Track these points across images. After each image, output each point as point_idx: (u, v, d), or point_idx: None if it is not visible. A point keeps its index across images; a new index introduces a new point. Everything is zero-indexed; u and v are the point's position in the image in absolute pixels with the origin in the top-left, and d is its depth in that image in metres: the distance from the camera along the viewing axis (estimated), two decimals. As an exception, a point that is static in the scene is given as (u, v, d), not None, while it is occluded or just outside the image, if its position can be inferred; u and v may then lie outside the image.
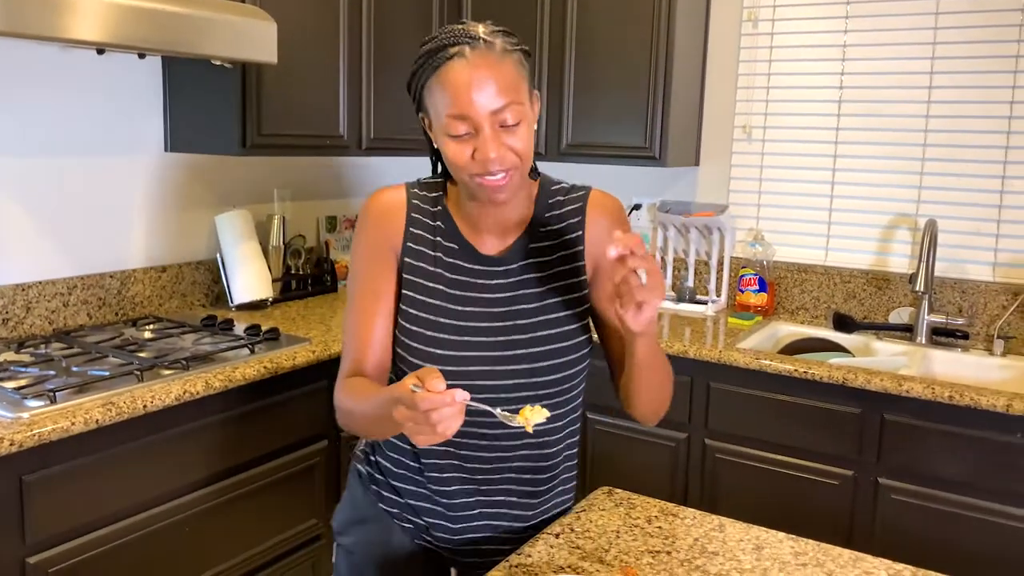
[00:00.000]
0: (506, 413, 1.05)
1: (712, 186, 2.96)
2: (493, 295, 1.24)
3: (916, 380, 2.11)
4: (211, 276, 2.64)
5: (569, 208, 1.27)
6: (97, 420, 1.67)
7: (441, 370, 1.05)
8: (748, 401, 2.33)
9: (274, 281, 2.70)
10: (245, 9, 2.09)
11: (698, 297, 2.90)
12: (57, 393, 1.70)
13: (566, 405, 1.29)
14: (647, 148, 2.72)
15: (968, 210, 2.57)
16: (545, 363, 1.23)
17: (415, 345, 1.22)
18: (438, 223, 1.26)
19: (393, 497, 1.33)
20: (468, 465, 1.26)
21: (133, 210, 2.42)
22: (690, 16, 2.76)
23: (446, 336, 1.22)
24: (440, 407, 0.93)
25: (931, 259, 2.49)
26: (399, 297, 1.25)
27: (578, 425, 1.36)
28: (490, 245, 1.26)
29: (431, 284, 1.24)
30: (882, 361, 2.40)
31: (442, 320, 1.22)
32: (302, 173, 2.93)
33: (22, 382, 1.78)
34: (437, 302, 1.23)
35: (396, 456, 1.31)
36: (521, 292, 1.24)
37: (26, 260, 2.17)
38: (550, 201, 1.27)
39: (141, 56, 2.16)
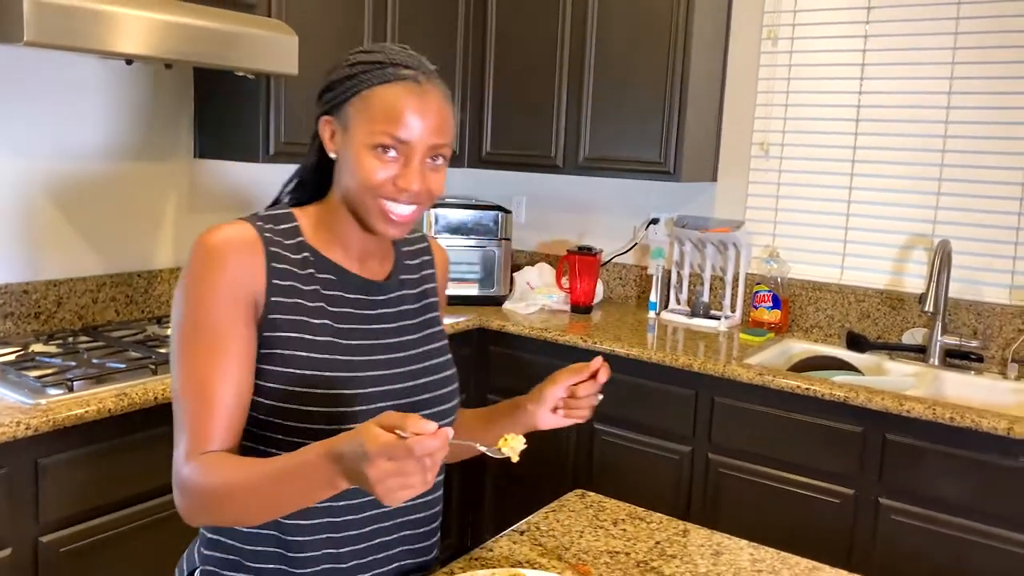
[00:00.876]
0: (488, 447, 1.02)
1: (729, 202, 2.98)
2: (380, 325, 1.17)
3: (917, 400, 2.10)
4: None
5: (419, 246, 1.30)
6: (110, 409, 1.77)
7: (341, 411, 1.07)
8: (752, 416, 2.35)
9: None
10: (268, 23, 2.20)
11: (712, 312, 2.92)
12: (75, 382, 1.81)
13: None
14: (662, 163, 2.75)
15: (985, 231, 2.54)
16: (440, 391, 1.20)
17: (306, 390, 1.07)
18: (304, 255, 1.12)
19: None
20: (383, 510, 1.14)
21: (162, 213, 2.54)
22: (709, 33, 2.80)
23: (342, 373, 1.10)
24: (436, 452, 0.84)
25: (944, 280, 2.47)
26: (266, 348, 1.08)
27: None
28: (366, 271, 1.18)
29: (316, 321, 1.10)
30: (889, 381, 2.39)
31: (336, 357, 1.10)
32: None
33: (45, 371, 1.89)
34: (327, 338, 1.10)
35: (301, 522, 1.10)
36: (404, 322, 1.20)
37: (59, 258, 2.30)
38: (402, 238, 1.25)
39: (168, 67, 2.27)
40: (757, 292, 2.85)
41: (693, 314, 2.90)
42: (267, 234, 1.10)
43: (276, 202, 1.20)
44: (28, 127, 2.20)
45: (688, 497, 2.47)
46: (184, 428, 1.03)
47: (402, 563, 1.17)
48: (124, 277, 2.44)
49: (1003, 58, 2.47)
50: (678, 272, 3.04)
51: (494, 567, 1.18)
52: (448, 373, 1.23)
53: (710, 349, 2.53)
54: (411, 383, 1.16)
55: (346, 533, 1.11)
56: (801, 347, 2.72)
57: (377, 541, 1.14)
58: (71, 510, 1.76)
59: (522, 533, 1.30)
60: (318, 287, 1.12)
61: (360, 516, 1.12)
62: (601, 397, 1.23)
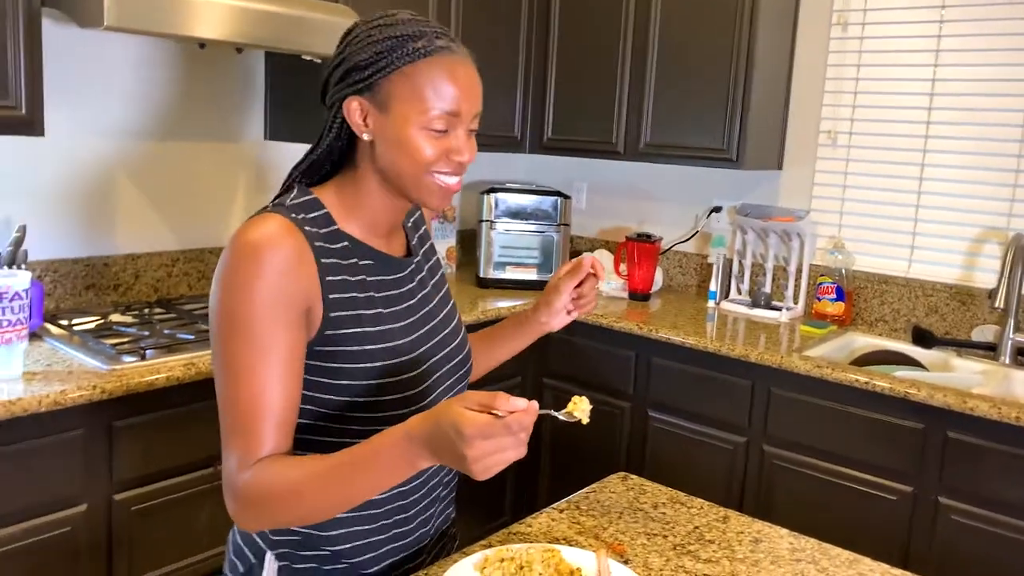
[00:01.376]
0: (560, 412, 1.04)
1: (794, 191, 2.93)
2: (414, 298, 1.18)
3: (982, 398, 2.04)
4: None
5: (412, 212, 1.30)
6: (179, 377, 1.86)
7: (413, 393, 1.11)
8: (809, 409, 2.31)
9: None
10: (335, 8, 2.26)
11: (774, 303, 2.88)
12: (147, 351, 1.91)
13: None
14: (724, 150, 2.72)
15: (1064, 226, 2.44)
16: (465, 346, 1.25)
17: (378, 381, 1.08)
18: (343, 243, 1.10)
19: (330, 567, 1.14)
20: (433, 480, 1.19)
21: (233, 192, 2.64)
22: (776, 18, 2.75)
23: (404, 358, 1.11)
24: (529, 426, 0.87)
25: (1016, 275, 2.38)
26: (329, 345, 1.06)
27: None
28: (392, 248, 1.19)
29: (370, 311, 1.10)
30: (954, 378, 2.32)
31: (396, 344, 1.11)
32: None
33: (121, 340, 2.00)
34: (384, 327, 1.11)
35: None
36: (428, 288, 1.23)
37: (137, 233, 2.42)
38: None
39: (239, 50, 2.36)
40: (821, 284, 2.79)
41: (754, 304, 2.87)
42: (306, 228, 1.05)
43: (288, 187, 1.13)
44: (106, 108, 2.32)
45: (741, 488, 2.46)
46: (235, 437, 0.99)
47: (443, 513, 1.23)
48: (196, 253, 2.55)
49: (1090, 45, 2.36)
50: (740, 261, 3.00)
51: (531, 542, 1.21)
52: (463, 328, 1.28)
53: (770, 340, 2.50)
54: (449, 347, 1.20)
55: (399, 489, 1.14)
56: (864, 341, 2.67)
57: (427, 490, 1.18)
58: (142, 471, 1.87)
59: (562, 511, 1.32)
60: (364, 276, 1.11)
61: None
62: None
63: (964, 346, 2.55)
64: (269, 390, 0.99)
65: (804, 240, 2.83)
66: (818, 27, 2.82)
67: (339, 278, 1.07)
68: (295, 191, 1.10)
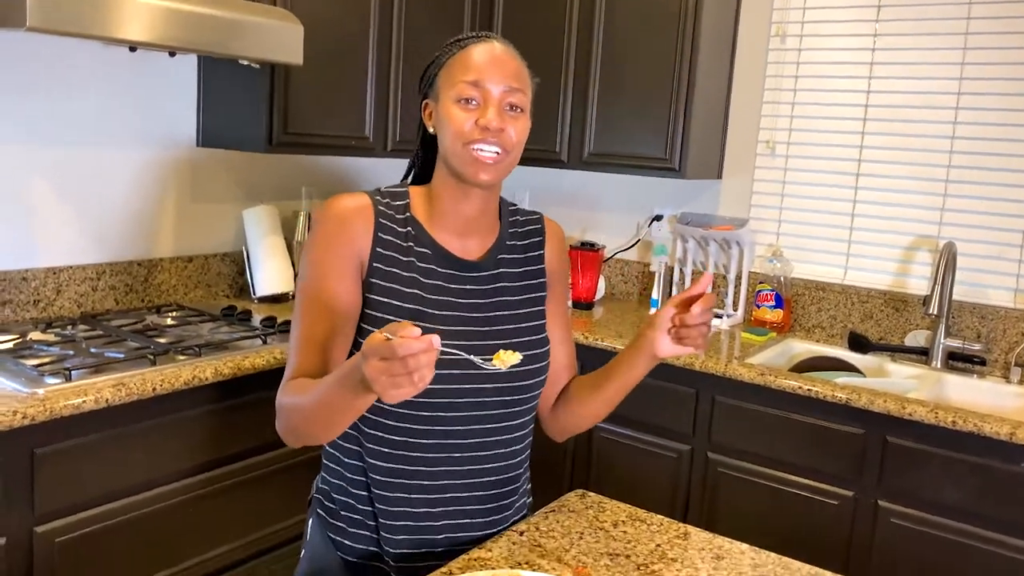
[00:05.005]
0: (481, 358, 1.07)
1: (734, 200, 2.96)
2: (469, 300, 1.26)
3: (919, 403, 2.09)
4: (236, 268, 2.73)
5: (530, 228, 1.37)
6: (107, 399, 1.76)
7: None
8: (753, 416, 2.33)
9: (296, 276, 2.78)
10: (273, 11, 2.18)
11: (715, 311, 2.90)
12: (73, 371, 1.79)
13: (531, 412, 1.33)
14: (667, 160, 2.74)
15: (991, 234, 2.53)
16: (526, 367, 1.26)
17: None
18: (408, 229, 1.25)
19: (355, 530, 1.28)
20: (456, 468, 1.25)
21: (163, 201, 2.52)
22: (717, 29, 2.78)
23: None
24: (418, 353, 0.91)
25: (948, 282, 2.45)
26: (364, 308, 1.22)
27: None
28: (463, 250, 1.28)
29: (407, 290, 1.22)
30: (890, 383, 2.38)
31: (421, 324, 1.17)
32: (329, 172, 3.02)
33: (43, 360, 1.88)
34: (414, 306, 1.21)
35: (384, 464, 1.24)
36: (496, 298, 1.28)
37: (59, 245, 2.29)
38: (511, 218, 1.35)
39: (171, 54, 2.26)
40: (760, 291, 2.83)
41: (695, 312, 2.88)
42: (380, 207, 1.24)
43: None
44: (28, 112, 2.18)
45: (687, 496, 2.46)
46: (288, 362, 1.20)
47: (473, 520, 1.28)
48: (124, 266, 2.43)
49: (1014, 59, 2.45)
50: (681, 269, 3.02)
51: (493, 567, 1.17)
52: (538, 351, 1.29)
53: (711, 348, 2.52)
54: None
55: (417, 482, 1.23)
56: (803, 347, 2.71)
57: (449, 495, 1.25)
58: (67, 501, 1.75)
59: (521, 534, 1.29)
60: (414, 259, 1.23)
61: (433, 469, 1.24)
62: (712, 328, 1.26)
63: (898, 351, 2.61)
64: (316, 328, 1.18)
65: (744, 248, 2.87)
66: (757, 39, 2.86)
67: (389, 253, 1.23)
68: (398, 184, 1.31)
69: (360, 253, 1.21)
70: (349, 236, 1.21)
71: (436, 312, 1.23)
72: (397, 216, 1.25)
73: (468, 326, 1.24)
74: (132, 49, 2.15)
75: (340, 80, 2.55)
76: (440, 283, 1.24)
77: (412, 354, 0.90)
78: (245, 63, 2.26)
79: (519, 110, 1.22)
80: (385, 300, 1.21)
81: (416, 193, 1.29)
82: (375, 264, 1.22)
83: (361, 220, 1.22)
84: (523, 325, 1.30)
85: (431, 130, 1.27)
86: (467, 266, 1.27)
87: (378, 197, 1.25)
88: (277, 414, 1.18)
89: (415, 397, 1.14)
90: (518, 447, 1.32)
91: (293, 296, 2.72)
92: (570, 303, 3.00)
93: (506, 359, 1.06)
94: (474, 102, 1.20)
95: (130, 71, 2.38)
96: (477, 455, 1.26)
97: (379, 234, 1.22)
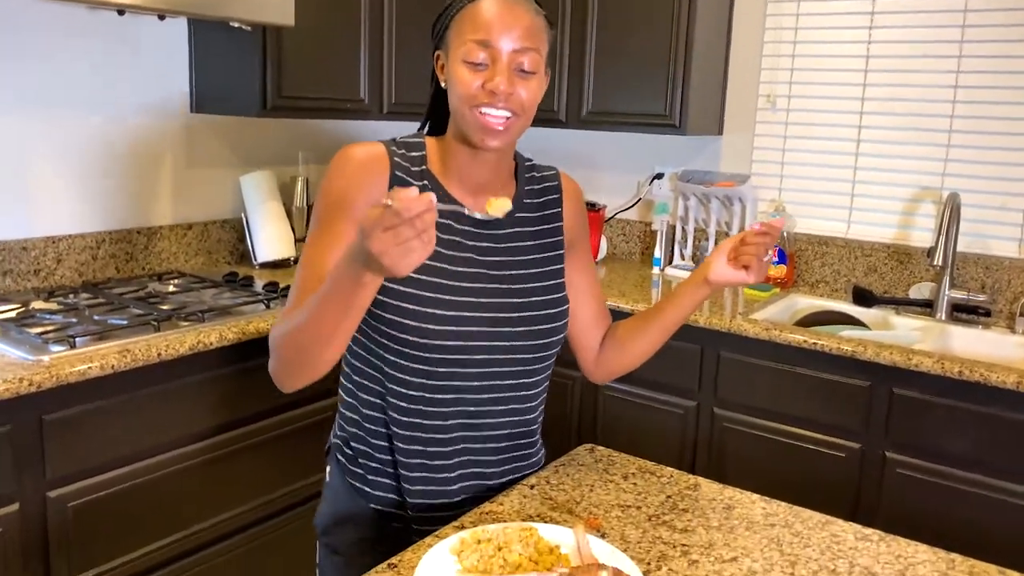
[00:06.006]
0: (470, 209, 1.11)
1: (735, 156, 2.94)
2: (485, 257, 1.24)
3: (926, 354, 2.09)
4: (236, 235, 2.72)
5: (546, 184, 1.33)
6: (113, 366, 1.75)
7: (439, 330, 1.17)
8: (758, 371, 2.34)
9: (297, 241, 2.76)
10: (265, -29, 2.13)
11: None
12: (77, 339, 1.79)
13: (549, 369, 1.33)
14: (667, 116, 2.71)
15: (995, 184, 2.51)
16: (540, 326, 1.25)
17: (409, 307, 1.17)
18: (424, 182, 1.22)
19: (374, 478, 1.28)
20: (470, 421, 1.24)
21: (160, 168, 2.50)
22: (717, -18, 2.73)
23: (443, 296, 1.19)
24: (423, 212, 0.88)
25: (952, 233, 2.44)
26: None
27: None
28: (479, 207, 1.24)
29: None
30: (895, 335, 2.38)
31: (437, 280, 1.19)
32: (326, 136, 2.99)
33: (47, 328, 1.87)
34: (433, 262, 1.19)
35: (401, 418, 1.23)
36: (513, 257, 1.26)
37: (57, 214, 2.27)
38: (527, 175, 1.32)
39: (161, 18, 2.22)
40: (763, 247, 2.82)
41: (698, 269, 2.87)
42: (396, 158, 1.21)
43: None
44: (18, 80, 2.15)
45: (693, 452, 2.48)
46: (287, 303, 1.16)
47: (487, 472, 1.28)
48: (123, 233, 2.41)
49: (1015, 4, 2.41)
50: (683, 227, 3.01)
51: (505, 521, 1.18)
52: (553, 310, 1.27)
53: (715, 304, 2.51)
54: (511, 314, 1.22)
55: (433, 435, 1.23)
56: (807, 302, 2.71)
57: (462, 447, 1.25)
58: (77, 466, 1.76)
59: (532, 487, 1.29)
60: None
61: (447, 423, 1.23)
62: (773, 258, 1.25)
63: (902, 304, 2.61)
64: (319, 266, 1.14)
65: (746, 204, 2.85)
66: (756, -10, 2.81)
67: None
68: (415, 133, 1.27)
69: (373, 196, 1.18)
70: (363, 185, 1.18)
71: (455, 268, 1.20)
72: (413, 168, 1.22)
73: (486, 283, 1.22)
74: (120, 12, 2.12)
75: (333, 41, 2.51)
76: (458, 239, 1.22)
77: (418, 214, 0.87)
78: (236, 25, 2.22)
79: (531, 71, 1.16)
80: None
81: (432, 145, 1.25)
82: None
83: (376, 169, 1.19)
84: (538, 284, 1.28)
85: (443, 84, 1.22)
86: (483, 224, 1.24)
87: (394, 147, 1.22)
88: (271, 352, 1.13)
89: (431, 354, 1.18)
90: (532, 403, 1.31)
91: (295, 261, 2.71)
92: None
93: (498, 204, 1.08)
94: (483, 62, 1.14)
95: (120, 36, 2.34)
96: (491, 409, 1.25)
97: (395, 186, 1.17)
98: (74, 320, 1.93)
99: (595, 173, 3.23)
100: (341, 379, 1.33)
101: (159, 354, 1.83)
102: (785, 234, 2.80)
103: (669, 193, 3.06)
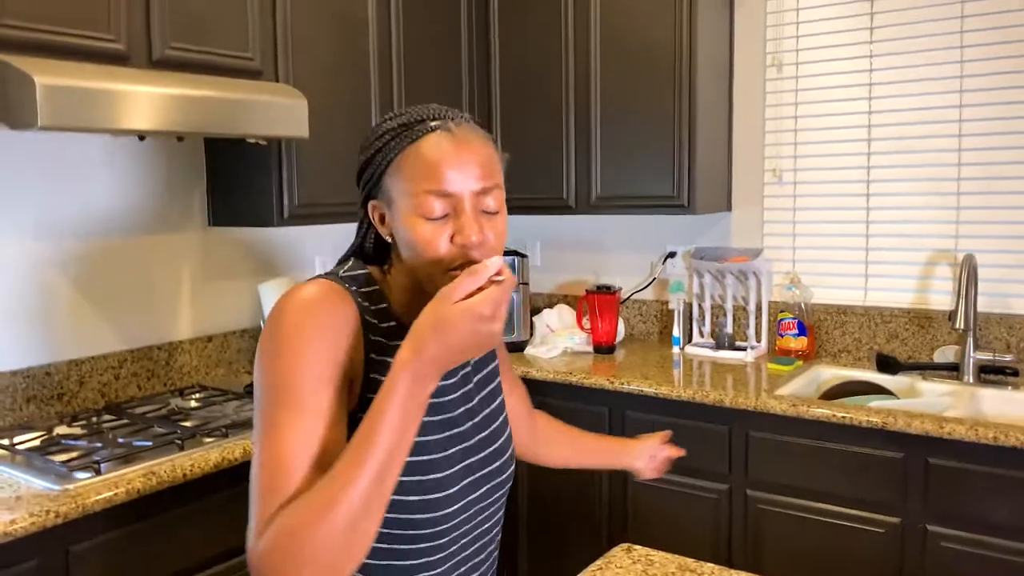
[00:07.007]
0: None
1: (746, 231, 2.96)
2: (454, 394, 1.09)
3: (958, 421, 2.05)
4: (256, 344, 2.73)
5: None
6: (139, 490, 1.74)
7: (436, 498, 1.01)
8: (789, 449, 2.29)
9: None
10: (277, 88, 2.21)
11: (737, 343, 2.88)
12: (102, 464, 1.78)
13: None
14: (676, 197, 2.74)
15: (1009, 243, 2.50)
16: (507, 454, 1.16)
17: (412, 478, 1.00)
18: (391, 323, 1.04)
19: None
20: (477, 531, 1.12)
21: (179, 284, 2.54)
22: (713, 63, 2.80)
23: (439, 455, 1.03)
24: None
25: (971, 295, 2.43)
26: (352, 428, 0.97)
27: None
28: None
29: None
30: (925, 403, 2.33)
31: (431, 438, 1.03)
32: (344, 239, 3.03)
33: (72, 455, 1.87)
34: (436, 416, 1.05)
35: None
36: (471, 386, 1.14)
37: (80, 337, 2.29)
38: None
39: (180, 139, 2.29)
40: (781, 320, 2.81)
41: (718, 346, 2.86)
42: (359, 300, 1.01)
43: (342, 261, 1.10)
44: (40, 207, 2.21)
45: (729, 536, 2.41)
46: (262, 499, 0.89)
47: None
48: (144, 351, 2.43)
49: (1011, 67, 2.46)
50: (699, 305, 3.01)
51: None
52: (506, 431, 1.17)
53: (739, 382, 2.49)
54: (484, 451, 1.11)
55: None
56: (831, 373, 2.68)
57: None
58: (105, 596, 1.73)
59: (571, 597, 1.25)
60: (392, 357, 1.01)
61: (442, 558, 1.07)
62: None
63: (928, 368, 2.57)
64: (304, 449, 0.90)
65: (760, 278, 2.85)
66: (753, 69, 2.88)
67: (383, 359, 1.01)
68: (349, 264, 1.08)
69: (353, 363, 0.98)
70: (339, 343, 0.96)
71: (437, 417, 1.05)
72: (371, 307, 1.03)
73: (461, 426, 1.09)
74: (141, 138, 2.19)
75: (346, 149, 2.57)
76: (441, 382, 1.08)
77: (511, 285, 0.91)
78: (252, 141, 2.29)
79: (496, 210, 1.01)
80: None
81: (382, 279, 1.07)
82: (372, 375, 1.00)
83: (348, 322, 0.98)
84: (495, 405, 1.16)
85: (387, 237, 1.04)
86: None
87: (348, 286, 1.02)
88: (266, 565, 0.85)
89: (432, 501, 1.03)
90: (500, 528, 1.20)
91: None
92: (590, 348, 2.98)
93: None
94: (443, 214, 0.97)
95: (139, 159, 2.41)
96: (478, 545, 1.13)
97: (369, 335, 1.00)
98: (99, 444, 1.93)
99: (607, 255, 3.25)
100: None
101: (184, 474, 1.82)
102: (803, 305, 2.79)
103: (683, 271, 3.07)
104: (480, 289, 0.90)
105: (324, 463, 0.91)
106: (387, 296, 1.05)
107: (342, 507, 0.84)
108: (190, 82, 1.99)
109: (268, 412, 0.92)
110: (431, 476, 1.02)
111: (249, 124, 2.11)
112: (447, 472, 1.04)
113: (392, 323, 1.04)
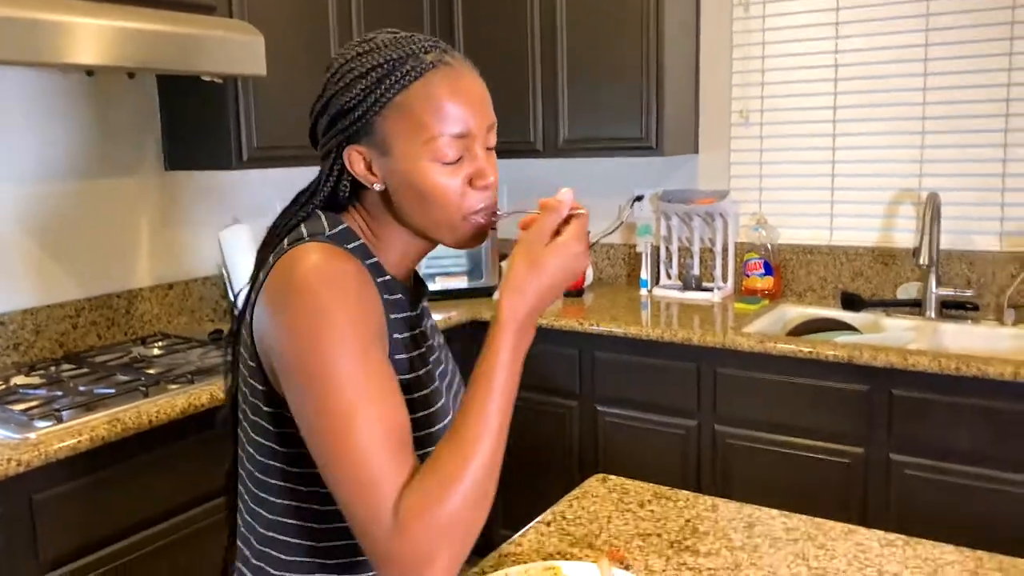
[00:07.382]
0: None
1: (713, 173, 2.95)
2: (428, 342, 1.06)
3: (922, 353, 2.09)
4: (219, 291, 2.68)
5: None
6: (103, 437, 1.70)
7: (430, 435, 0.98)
8: (756, 385, 2.32)
9: (280, 293, 2.73)
10: (232, 24, 2.13)
11: (704, 284, 2.89)
12: (63, 412, 1.74)
13: None
14: (644, 139, 2.72)
15: (971, 180, 2.53)
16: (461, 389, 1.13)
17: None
18: (386, 278, 0.98)
19: None
20: None
21: (137, 230, 2.46)
22: (680, 4, 2.76)
23: (437, 407, 1.02)
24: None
25: (934, 232, 2.46)
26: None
27: None
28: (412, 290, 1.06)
29: (404, 356, 0.98)
30: (889, 337, 2.37)
31: (428, 390, 1.01)
32: (304, 184, 2.96)
33: (31, 404, 1.82)
34: (420, 372, 1.01)
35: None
36: (431, 323, 1.11)
37: (33, 285, 2.22)
38: None
39: (131, 76, 2.20)
40: (748, 260, 2.82)
41: (685, 287, 2.87)
42: (359, 259, 0.93)
43: (305, 218, 0.99)
44: (-11, 152, 2.12)
45: (697, 472, 2.45)
46: (357, 500, 0.82)
47: None
48: (103, 299, 2.36)
49: (976, 4, 2.46)
50: (667, 247, 3.01)
51: (525, 562, 1.14)
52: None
53: (706, 321, 2.50)
54: (454, 389, 1.09)
55: None
56: (796, 311, 2.71)
57: None
58: (72, 545, 1.69)
59: (549, 524, 1.26)
60: (396, 313, 0.98)
61: None
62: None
63: (891, 305, 2.61)
64: (385, 431, 0.83)
65: (727, 220, 2.86)
66: (720, 9, 2.85)
67: (393, 316, 0.96)
68: (323, 220, 0.96)
69: (383, 327, 0.92)
70: (373, 309, 0.90)
71: (427, 369, 1.02)
72: (365, 264, 0.94)
73: (437, 367, 1.06)
74: (89, 74, 2.09)
75: (305, 90, 2.49)
76: (417, 331, 1.03)
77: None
78: (207, 79, 2.21)
79: (494, 138, 0.97)
80: (405, 378, 0.97)
81: (361, 232, 0.99)
82: (395, 336, 0.96)
83: (370, 284, 0.91)
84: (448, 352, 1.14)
85: (376, 186, 0.95)
86: (421, 308, 1.06)
87: (347, 246, 0.94)
88: (410, 528, 0.80)
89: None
90: None
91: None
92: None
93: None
94: (458, 157, 0.92)
95: (89, 98, 2.32)
96: None
97: (385, 296, 0.95)
98: (59, 393, 1.88)
99: (575, 199, 3.22)
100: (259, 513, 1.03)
101: (150, 420, 1.79)
102: (769, 246, 2.81)
103: (650, 214, 3.07)
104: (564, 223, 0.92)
105: (404, 437, 0.85)
106: (373, 250, 0.97)
107: (467, 481, 0.82)
108: (141, 15, 1.91)
109: (328, 403, 0.83)
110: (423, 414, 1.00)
111: (203, 61, 2.03)
112: (432, 409, 1.01)
113: (388, 277, 0.98)
